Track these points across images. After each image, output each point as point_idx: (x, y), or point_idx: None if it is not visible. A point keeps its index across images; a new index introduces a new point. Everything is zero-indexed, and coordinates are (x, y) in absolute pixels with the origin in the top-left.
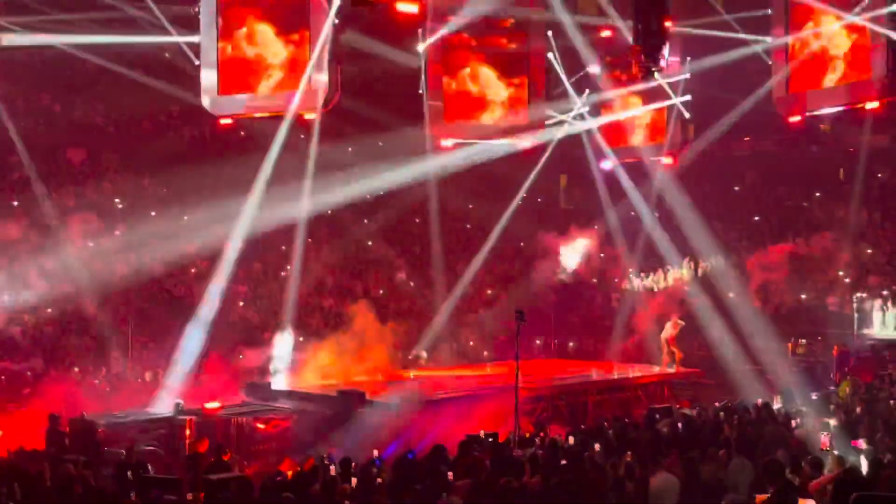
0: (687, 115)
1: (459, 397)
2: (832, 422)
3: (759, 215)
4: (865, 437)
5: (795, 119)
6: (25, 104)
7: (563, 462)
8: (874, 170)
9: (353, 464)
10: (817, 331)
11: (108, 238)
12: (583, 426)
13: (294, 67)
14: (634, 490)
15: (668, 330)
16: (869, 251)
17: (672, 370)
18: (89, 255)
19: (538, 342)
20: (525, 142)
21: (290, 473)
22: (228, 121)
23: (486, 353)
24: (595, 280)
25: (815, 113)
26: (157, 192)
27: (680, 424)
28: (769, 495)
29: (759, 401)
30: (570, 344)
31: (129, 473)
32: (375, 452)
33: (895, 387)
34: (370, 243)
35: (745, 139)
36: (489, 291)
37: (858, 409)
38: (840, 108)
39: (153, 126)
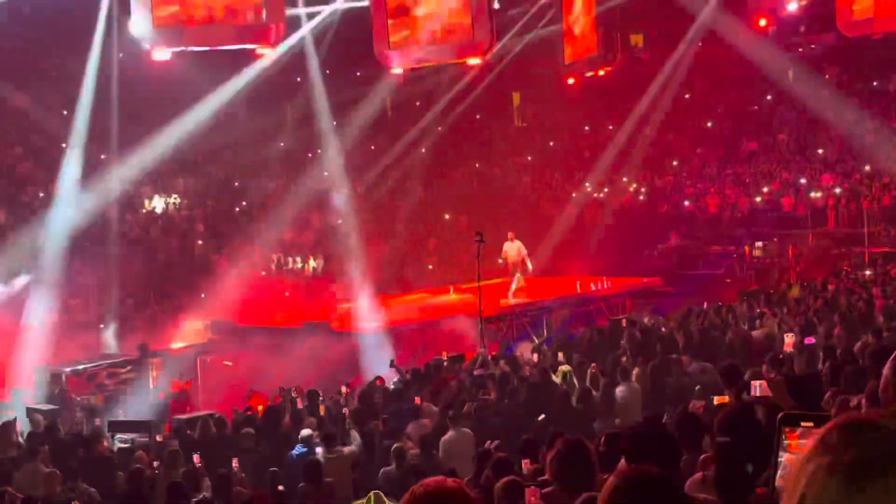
0: None
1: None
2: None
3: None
4: (820, 334)
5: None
6: None
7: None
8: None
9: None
10: (774, 233)
11: None
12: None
13: None
14: (600, 400)
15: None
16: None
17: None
18: None
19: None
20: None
21: (259, 408)
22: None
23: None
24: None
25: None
26: None
27: (639, 334)
28: (727, 398)
29: (719, 304)
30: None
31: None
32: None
33: (850, 283)
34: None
35: None
36: (446, 216)
37: (816, 307)
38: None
39: None
